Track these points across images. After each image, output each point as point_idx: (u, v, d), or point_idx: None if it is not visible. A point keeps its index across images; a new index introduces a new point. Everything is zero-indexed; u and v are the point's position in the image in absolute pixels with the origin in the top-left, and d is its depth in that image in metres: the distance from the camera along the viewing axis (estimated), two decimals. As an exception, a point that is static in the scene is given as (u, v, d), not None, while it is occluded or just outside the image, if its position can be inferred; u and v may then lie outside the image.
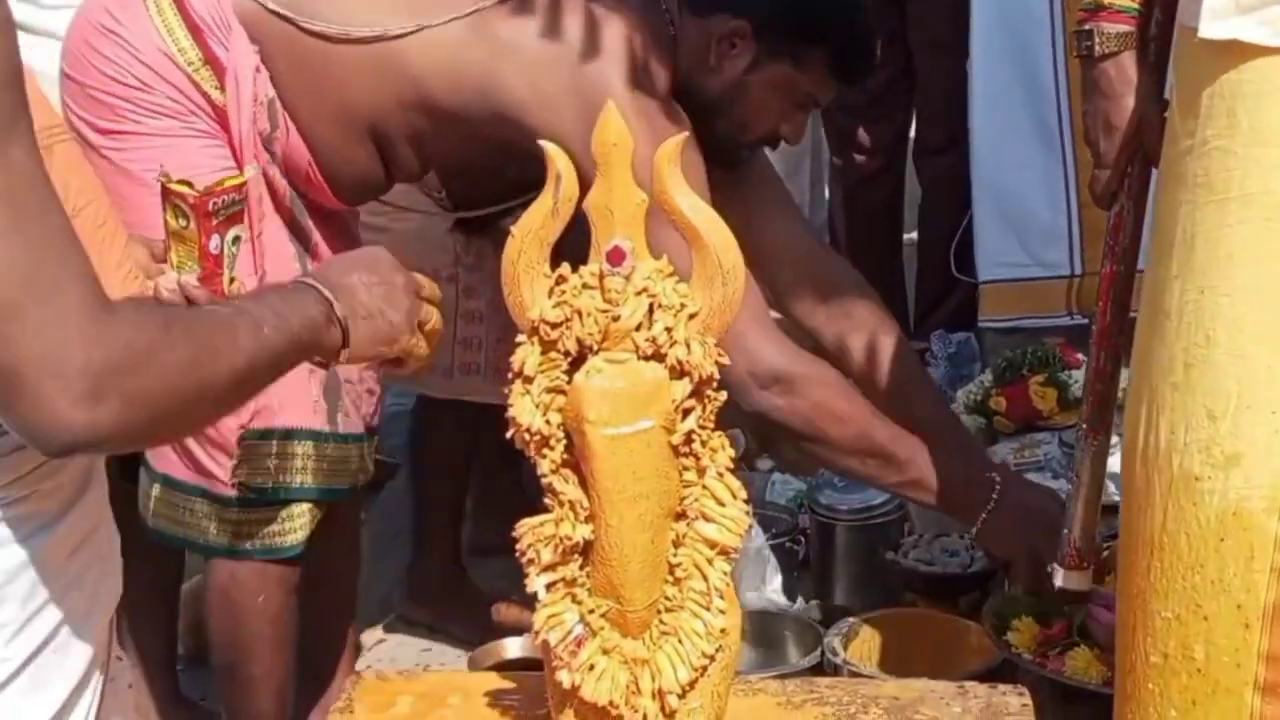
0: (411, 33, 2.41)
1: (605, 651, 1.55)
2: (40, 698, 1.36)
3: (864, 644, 2.64)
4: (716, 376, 1.52)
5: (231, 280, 1.69)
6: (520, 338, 1.54)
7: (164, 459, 2.48)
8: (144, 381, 1.25)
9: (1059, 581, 2.09)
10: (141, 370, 1.24)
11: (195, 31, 2.36)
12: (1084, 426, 2.05)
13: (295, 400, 2.44)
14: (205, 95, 2.37)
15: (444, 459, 3.27)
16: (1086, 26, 1.93)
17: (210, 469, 2.45)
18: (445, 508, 3.30)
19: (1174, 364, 1.76)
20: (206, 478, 2.46)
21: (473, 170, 2.81)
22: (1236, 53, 1.67)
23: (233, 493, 2.45)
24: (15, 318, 1.19)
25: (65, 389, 1.20)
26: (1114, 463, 3.03)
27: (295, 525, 2.49)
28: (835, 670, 2.54)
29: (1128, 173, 1.99)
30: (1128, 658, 1.79)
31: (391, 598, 3.34)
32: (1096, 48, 1.92)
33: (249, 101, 2.37)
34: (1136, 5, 1.91)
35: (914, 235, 4.57)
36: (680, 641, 1.55)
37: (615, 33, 2.42)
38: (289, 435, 2.45)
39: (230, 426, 2.41)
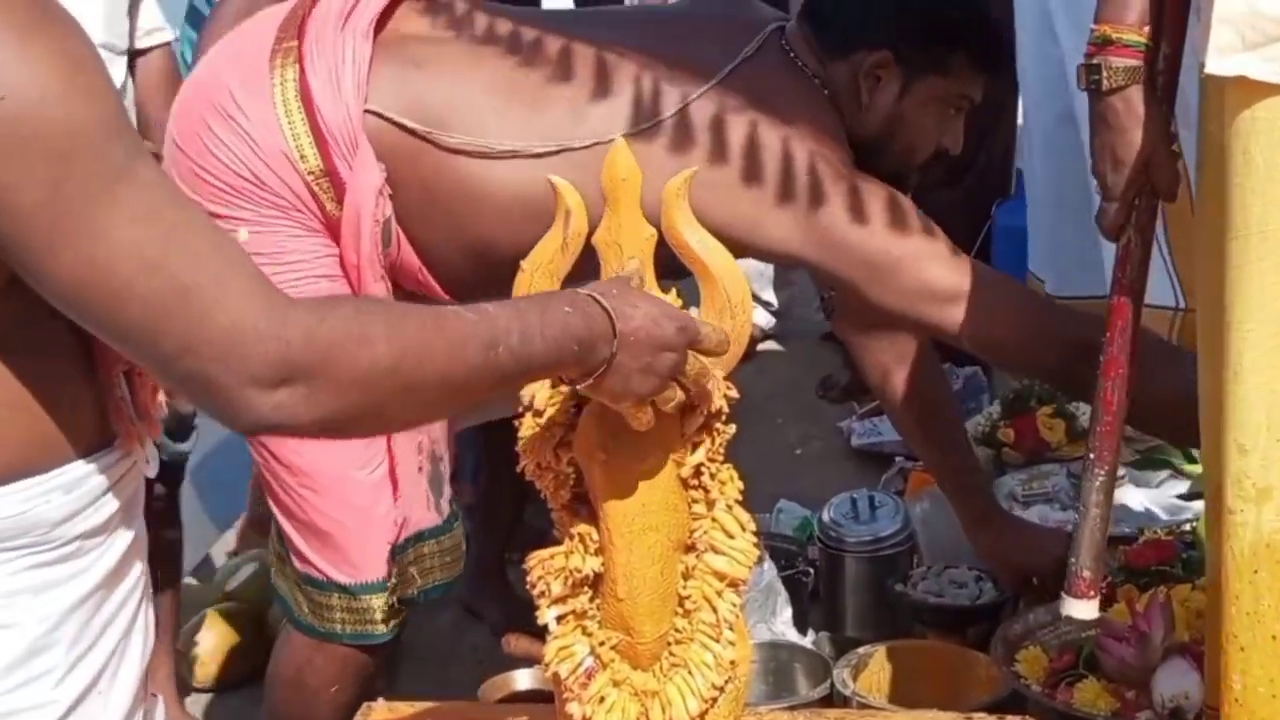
0: (554, 153, 2.30)
1: (615, 683, 1.56)
2: None
3: (873, 675, 2.64)
4: (726, 410, 1.53)
5: None
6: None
7: None
8: (333, 371, 1.29)
9: (1066, 610, 2.10)
10: (329, 361, 1.29)
11: (321, 142, 2.28)
12: (1090, 456, 2.06)
13: (416, 503, 2.41)
14: (320, 204, 2.30)
15: None
16: (1094, 60, 1.94)
17: (298, 547, 2.40)
18: None
19: (1206, 400, 1.78)
20: (298, 556, 2.41)
21: None
22: (1246, 89, 1.68)
23: (321, 576, 2.40)
24: (203, 344, 1.25)
25: (246, 377, 1.26)
26: (1127, 495, 3.07)
27: (389, 615, 2.44)
28: (845, 702, 2.54)
29: (1135, 205, 2.00)
30: None
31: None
32: (1104, 81, 1.93)
33: (370, 223, 2.30)
34: (1144, 40, 1.92)
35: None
36: (690, 673, 1.56)
37: (794, 137, 2.34)
38: (419, 539, 2.42)
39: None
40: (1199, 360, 1.84)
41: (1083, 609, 2.08)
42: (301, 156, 2.29)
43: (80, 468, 1.33)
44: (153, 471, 1.43)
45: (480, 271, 2.35)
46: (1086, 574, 2.05)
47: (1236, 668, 1.74)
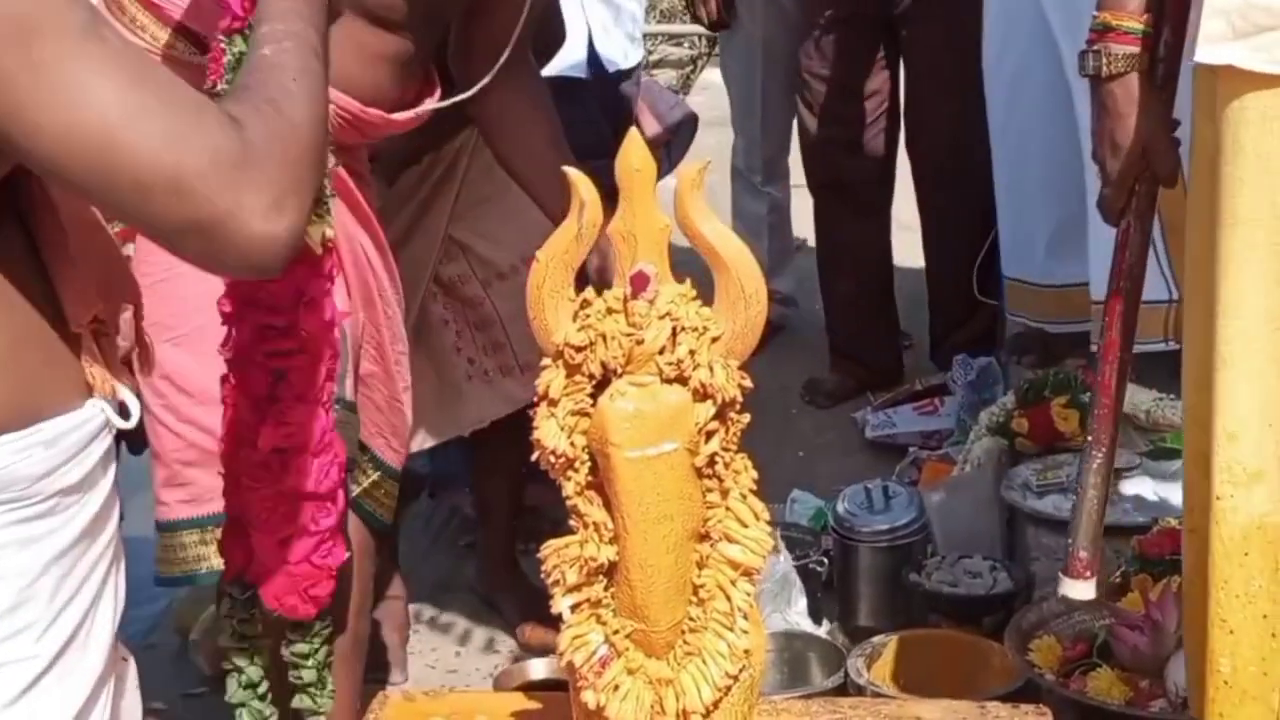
0: None
1: (630, 672, 1.56)
2: (66, 692, 1.38)
3: (887, 665, 2.65)
4: (740, 399, 1.53)
5: None
6: (545, 361, 1.56)
7: None
8: (298, 163, 1.34)
9: (1063, 590, 2.11)
10: (291, 156, 1.33)
11: (151, 8, 2.25)
12: (1089, 439, 2.07)
13: None
14: (189, 66, 2.17)
15: None
16: (1095, 47, 1.96)
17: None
18: None
19: (1191, 386, 1.78)
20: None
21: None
22: (1235, 79, 1.69)
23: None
24: (196, 179, 1.27)
25: (256, 217, 1.29)
26: (1140, 485, 3.07)
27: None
28: (859, 691, 2.55)
29: (1134, 190, 2.01)
30: None
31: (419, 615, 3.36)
32: (1104, 68, 1.95)
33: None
34: (1144, 27, 1.94)
35: (904, 262, 4.58)
36: (704, 662, 1.56)
37: None
38: None
39: None
40: (1184, 348, 1.84)
41: (1080, 589, 2.09)
42: (154, 38, 2.26)
43: (61, 423, 1.35)
44: (127, 422, 1.43)
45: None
46: (1084, 554, 2.07)
47: (1225, 650, 1.75)
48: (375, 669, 2.92)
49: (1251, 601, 1.73)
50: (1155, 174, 1.98)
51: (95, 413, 1.38)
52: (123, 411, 1.41)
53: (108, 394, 1.40)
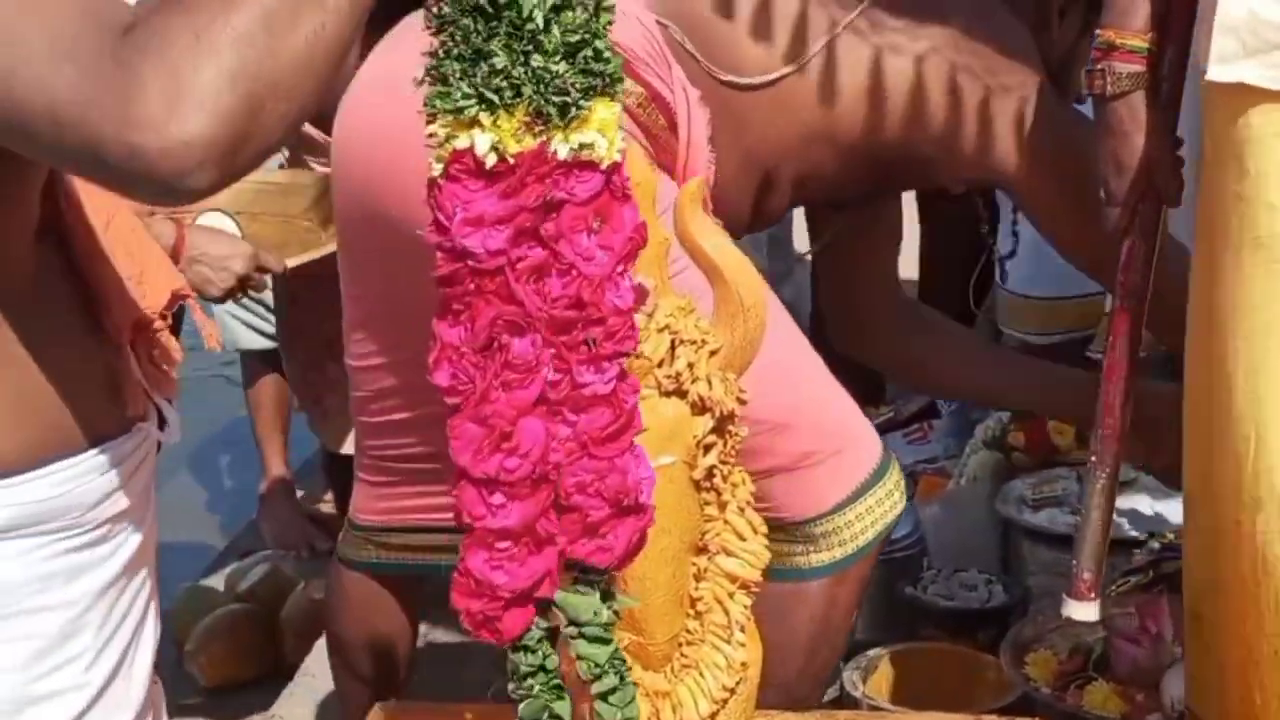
0: (807, 61, 2.25)
1: (627, 684, 1.56)
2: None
3: (883, 678, 2.65)
4: (738, 413, 1.53)
5: None
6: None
7: None
8: (201, 75, 1.09)
9: (1066, 612, 2.11)
10: (189, 67, 1.09)
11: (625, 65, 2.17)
12: (1092, 459, 2.07)
13: None
14: (648, 131, 2.17)
15: None
16: (1099, 66, 1.96)
17: None
18: None
19: (1199, 409, 1.78)
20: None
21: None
22: (1244, 97, 1.69)
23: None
24: (70, 105, 1.11)
25: (132, 128, 1.10)
26: (1137, 500, 3.07)
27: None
28: (854, 704, 2.55)
29: (1138, 210, 2.01)
30: None
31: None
32: (1108, 87, 1.95)
33: (702, 136, 2.20)
34: (1148, 46, 1.94)
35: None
36: (701, 674, 1.56)
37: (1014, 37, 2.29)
38: None
39: None
40: (1186, 368, 1.84)
41: (1084, 610, 2.09)
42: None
43: (115, 447, 1.33)
44: (176, 436, 1.43)
45: (741, 192, 2.32)
46: (1087, 575, 2.07)
47: (1255, 681, 1.74)
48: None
49: (1265, 635, 1.72)
50: (1160, 192, 1.98)
51: (144, 438, 1.37)
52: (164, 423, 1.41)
53: (148, 411, 1.39)
